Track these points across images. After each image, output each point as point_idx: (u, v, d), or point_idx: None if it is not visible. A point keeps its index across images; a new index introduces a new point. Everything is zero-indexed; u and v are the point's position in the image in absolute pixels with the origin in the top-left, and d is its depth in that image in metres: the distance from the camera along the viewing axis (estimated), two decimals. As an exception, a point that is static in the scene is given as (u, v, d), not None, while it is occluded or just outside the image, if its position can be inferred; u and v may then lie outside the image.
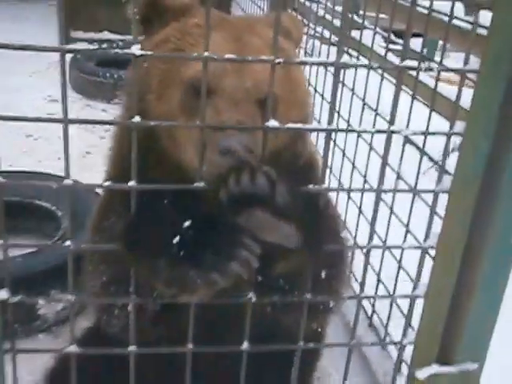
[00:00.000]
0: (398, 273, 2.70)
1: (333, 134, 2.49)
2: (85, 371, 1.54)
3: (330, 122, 1.32)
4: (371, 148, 2.83)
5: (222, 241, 1.32)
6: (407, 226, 2.55)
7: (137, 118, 1.21)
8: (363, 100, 2.81)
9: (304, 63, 1.24)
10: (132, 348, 1.51)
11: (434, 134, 1.44)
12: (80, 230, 3.40)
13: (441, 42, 6.24)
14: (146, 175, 1.32)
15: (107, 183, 1.30)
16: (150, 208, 1.37)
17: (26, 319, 2.89)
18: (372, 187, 1.79)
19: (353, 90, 2.92)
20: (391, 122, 1.34)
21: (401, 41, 2.66)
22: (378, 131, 1.36)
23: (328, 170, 3.32)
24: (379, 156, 2.72)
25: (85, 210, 3.51)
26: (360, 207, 2.98)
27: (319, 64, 1.27)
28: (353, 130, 1.35)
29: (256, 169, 1.28)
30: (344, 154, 3.22)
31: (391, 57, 2.81)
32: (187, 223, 1.34)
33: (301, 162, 1.82)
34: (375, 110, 2.77)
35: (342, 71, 3.29)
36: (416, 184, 2.28)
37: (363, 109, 2.82)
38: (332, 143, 3.24)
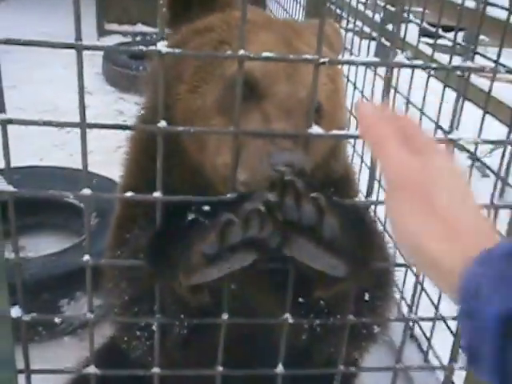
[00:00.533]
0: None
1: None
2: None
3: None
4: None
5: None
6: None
7: (163, 123, 1.07)
8: (407, 99, 2.63)
9: (353, 63, 1.09)
10: (156, 370, 1.39)
11: (496, 142, 1.28)
12: (108, 229, 3.32)
13: (481, 37, 5.99)
14: (165, 179, 1.19)
15: (129, 194, 1.17)
16: (175, 220, 1.23)
17: (51, 322, 2.81)
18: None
19: (396, 88, 2.75)
20: (451, 128, 1.18)
21: (447, 35, 2.49)
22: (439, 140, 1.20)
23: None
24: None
25: (114, 208, 3.44)
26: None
27: (370, 64, 1.11)
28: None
29: (303, 194, 1.09)
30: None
31: (437, 55, 2.64)
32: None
33: (337, 175, 1.65)
34: (421, 110, 2.60)
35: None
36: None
37: (407, 109, 2.64)
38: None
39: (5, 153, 1.13)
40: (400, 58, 1.07)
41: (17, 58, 6.96)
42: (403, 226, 0.96)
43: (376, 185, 3.00)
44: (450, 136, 1.18)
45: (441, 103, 2.35)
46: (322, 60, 1.07)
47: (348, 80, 3.34)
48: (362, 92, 3.31)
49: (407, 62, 1.07)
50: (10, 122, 1.09)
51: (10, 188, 1.13)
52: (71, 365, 2.66)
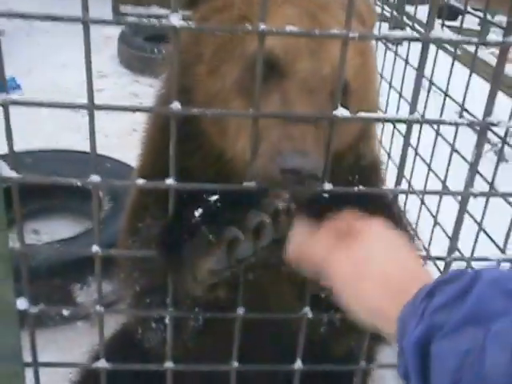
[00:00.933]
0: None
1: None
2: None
3: (412, 112, 1.08)
4: (438, 134, 2.55)
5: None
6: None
7: (176, 105, 0.99)
8: (430, 81, 2.53)
9: (385, 38, 1.00)
10: (169, 364, 1.33)
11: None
12: (122, 212, 3.26)
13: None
14: (182, 163, 1.11)
15: (141, 181, 1.09)
16: (189, 210, 1.16)
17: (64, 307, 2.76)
18: (449, 189, 1.52)
19: (418, 67, 2.64)
20: (487, 113, 1.09)
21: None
22: (472, 123, 1.11)
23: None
24: (448, 144, 2.47)
25: (126, 190, 3.38)
26: (436, 215, 2.67)
27: (406, 40, 1.02)
28: (441, 121, 1.11)
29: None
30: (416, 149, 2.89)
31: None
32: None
33: (365, 161, 1.55)
34: (445, 93, 2.49)
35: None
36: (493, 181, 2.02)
37: (429, 90, 2.54)
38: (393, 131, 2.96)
39: (8, 136, 1.06)
40: (438, 32, 0.97)
41: (33, 42, 6.92)
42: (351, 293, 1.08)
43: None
44: (488, 119, 1.09)
45: (467, 86, 2.26)
46: (351, 35, 0.97)
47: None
48: (382, 69, 3.21)
49: (446, 36, 0.98)
50: (14, 103, 1.01)
51: (14, 174, 1.06)
52: (83, 350, 2.63)
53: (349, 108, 1.13)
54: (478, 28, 4.81)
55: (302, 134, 1.17)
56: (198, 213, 1.10)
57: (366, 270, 1.04)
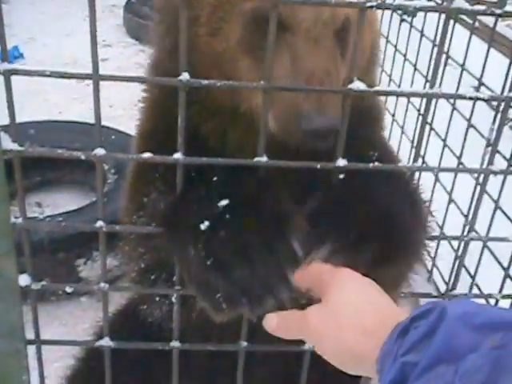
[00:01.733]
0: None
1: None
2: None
3: (432, 85, 1.02)
4: (454, 109, 2.49)
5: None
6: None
7: (185, 76, 0.94)
8: (447, 55, 2.46)
9: (405, 7, 0.94)
10: (175, 344, 1.30)
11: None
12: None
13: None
14: (189, 130, 1.07)
15: (146, 155, 1.04)
16: (198, 184, 1.11)
17: (67, 282, 2.74)
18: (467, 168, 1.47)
19: (440, 42, 2.57)
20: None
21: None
22: (493, 98, 1.05)
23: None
24: (465, 119, 2.41)
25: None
26: (451, 192, 2.61)
27: (425, 10, 0.96)
28: (460, 96, 1.05)
29: None
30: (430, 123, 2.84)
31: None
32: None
33: (367, 101, 1.50)
34: (462, 66, 2.43)
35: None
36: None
37: (446, 64, 2.47)
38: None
39: (9, 107, 1.01)
40: (459, 2, 0.92)
41: (36, 10, 6.82)
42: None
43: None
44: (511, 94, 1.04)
45: (485, 60, 2.20)
46: (368, 4, 0.92)
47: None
48: (387, 38, 3.16)
49: (468, 6, 0.92)
50: (15, 72, 0.96)
51: (16, 146, 1.01)
52: (87, 326, 2.62)
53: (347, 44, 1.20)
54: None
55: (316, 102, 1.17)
56: (204, 226, 1.06)
57: (343, 320, 1.05)
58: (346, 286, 1.09)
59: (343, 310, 1.06)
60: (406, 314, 1.02)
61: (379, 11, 1.53)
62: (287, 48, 1.26)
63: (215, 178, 1.13)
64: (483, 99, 1.09)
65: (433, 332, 0.91)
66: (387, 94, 1.12)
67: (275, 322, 1.16)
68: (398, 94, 1.08)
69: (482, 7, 0.96)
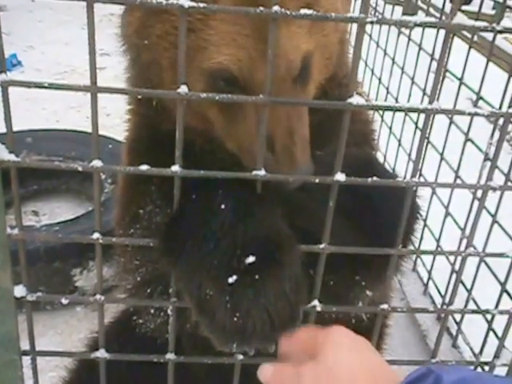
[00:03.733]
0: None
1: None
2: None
3: (431, 100, 1.02)
4: (452, 123, 2.50)
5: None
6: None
7: (183, 88, 0.93)
8: (445, 68, 2.47)
9: (405, 24, 0.94)
10: (171, 356, 1.29)
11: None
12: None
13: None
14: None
15: (144, 167, 1.04)
16: (197, 198, 1.11)
17: (63, 291, 2.73)
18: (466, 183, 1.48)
19: (440, 57, 2.59)
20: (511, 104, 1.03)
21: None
22: (493, 114, 1.05)
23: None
24: (463, 133, 2.42)
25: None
26: (448, 205, 2.62)
27: (428, 25, 0.96)
28: (459, 112, 1.05)
29: None
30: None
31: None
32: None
33: (343, 71, 1.58)
34: (460, 80, 2.44)
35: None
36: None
37: (444, 77, 2.47)
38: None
39: (6, 118, 1.00)
40: (460, 19, 0.92)
41: (35, 18, 6.82)
42: None
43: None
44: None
45: (484, 73, 2.21)
46: (368, 20, 0.91)
47: (371, 39, 3.24)
48: (385, 51, 3.19)
49: (468, 22, 0.92)
50: (12, 83, 0.96)
51: (12, 157, 1.01)
52: (82, 336, 2.60)
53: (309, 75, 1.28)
54: (492, 12, 4.74)
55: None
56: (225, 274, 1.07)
57: (337, 381, 1.05)
58: (340, 346, 1.09)
59: (337, 371, 1.05)
60: (400, 377, 1.02)
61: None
62: (250, 111, 1.27)
63: (213, 192, 1.12)
64: (483, 115, 1.09)
65: None
66: (386, 108, 1.12)
67: (270, 373, 1.16)
68: (396, 109, 1.07)
69: (482, 23, 0.96)
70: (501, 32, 0.99)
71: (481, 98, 2.26)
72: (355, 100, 1.02)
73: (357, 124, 1.62)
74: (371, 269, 1.27)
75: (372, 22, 0.94)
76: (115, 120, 4.82)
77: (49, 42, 6.25)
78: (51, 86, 0.92)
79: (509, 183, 2.05)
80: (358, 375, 1.04)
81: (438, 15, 2.82)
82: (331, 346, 1.09)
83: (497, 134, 1.98)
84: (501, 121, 1.96)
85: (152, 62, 1.36)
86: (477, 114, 1.09)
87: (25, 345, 1.25)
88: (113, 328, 1.89)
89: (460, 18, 0.92)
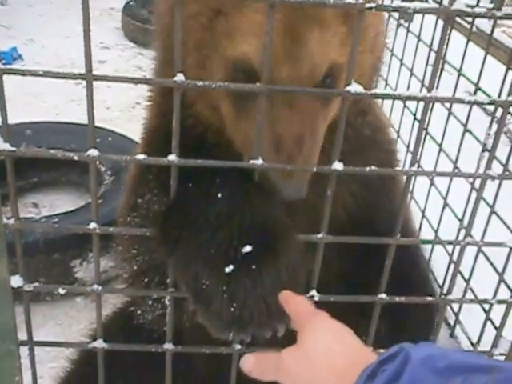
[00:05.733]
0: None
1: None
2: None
3: (430, 89, 1.02)
4: (450, 113, 2.49)
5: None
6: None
7: (180, 76, 0.93)
8: (444, 59, 2.45)
9: (404, 10, 0.93)
10: (168, 346, 1.29)
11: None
12: (122, 185, 3.19)
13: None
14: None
15: (140, 156, 1.04)
16: (194, 187, 1.10)
17: (63, 283, 2.73)
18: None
19: (438, 48, 2.57)
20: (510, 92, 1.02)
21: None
22: (493, 102, 1.05)
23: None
24: (461, 124, 2.41)
25: (130, 166, 3.32)
26: (446, 196, 2.62)
27: (427, 12, 0.96)
28: (458, 100, 1.04)
29: None
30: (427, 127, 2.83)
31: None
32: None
33: (366, 119, 1.52)
34: (459, 71, 2.42)
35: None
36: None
37: (442, 69, 2.46)
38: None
39: (1, 107, 1.00)
40: (459, 5, 0.91)
41: (35, 12, 6.80)
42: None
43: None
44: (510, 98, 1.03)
45: (482, 65, 2.20)
46: (367, 5, 0.91)
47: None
48: (392, 46, 3.16)
49: (467, 8, 0.91)
50: (7, 71, 0.96)
51: (7, 146, 1.01)
52: (82, 327, 2.60)
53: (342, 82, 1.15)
54: (491, 5, 4.72)
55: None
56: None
57: (316, 361, 1.07)
58: (320, 329, 1.11)
59: (316, 352, 1.08)
60: (376, 356, 1.04)
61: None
62: (258, 108, 1.21)
63: (210, 182, 1.12)
64: (482, 103, 1.08)
65: (398, 376, 0.93)
66: (385, 97, 1.11)
67: (251, 363, 1.17)
68: (395, 97, 1.07)
69: (481, 9, 0.95)
70: (501, 18, 0.98)
71: (479, 88, 2.25)
72: (353, 88, 1.01)
73: (380, 153, 1.60)
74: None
75: (371, 8, 0.93)
76: (115, 113, 4.82)
77: (49, 36, 6.23)
78: (46, 74, 0.91)
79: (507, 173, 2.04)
80: (337, 359, 1.06)
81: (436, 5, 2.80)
82: (312, 330, 1.11)
83: (495, 126, 1.98)
84: (498, 113, 1.95)
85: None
86: (476, 103, 1.08)
87: (23, 336, 1.25)
88: (115, 320, 1.89)
89: (459, 4, 0.91)
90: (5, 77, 0.97)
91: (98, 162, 3.39)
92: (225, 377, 1.31)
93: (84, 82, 0.97)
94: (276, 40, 1.19)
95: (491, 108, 2.19)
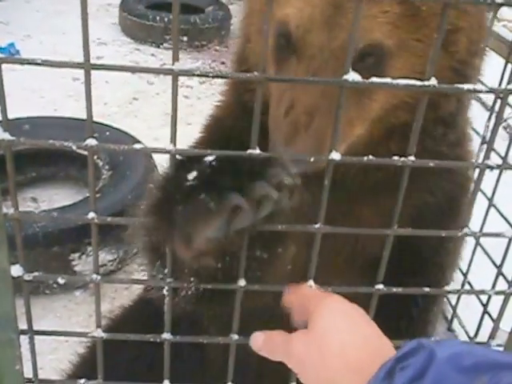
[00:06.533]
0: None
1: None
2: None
3: (428, 78, 1.02)
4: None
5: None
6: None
7: (177, 66, 0.93)
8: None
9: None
10: (167, 336, 1.29)
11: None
12: (121, 181, 3.20)
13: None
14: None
15: (138, 146, 1.04)
16: (185, 170, 1.08)
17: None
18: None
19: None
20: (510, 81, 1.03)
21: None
22: (493, 90, 1.05)
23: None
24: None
25: (128, 161, 3.33)
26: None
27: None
28: (458, 89, 1.04)
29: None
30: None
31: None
32: None
33: (448, 131, 1.40)
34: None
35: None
36: None
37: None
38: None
39: (0, 96, 1.00)
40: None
41: (32, 8, 6.80)
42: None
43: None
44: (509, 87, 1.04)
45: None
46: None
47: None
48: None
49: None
50: (5, 61, 0.96)
51: (7, 136, 1.01)
52: (81, 319, 2.61)
53: (386, 75, 1.06)
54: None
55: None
56: (191, 175, 1.00)
57: (327, 350, 1.03)
58: (333, 314, 1.07)
59: (328, 340, 1.03)
60: (393, 349, 1.01)
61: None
62: (289, 73, 1.23)
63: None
64: (481, 91, 1.08)
65: (422, 376, 0.90)
66: (382, 86, 1.11)
67: (261, 340, 1.15)
68: (393, 87, 1.07)
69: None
70: (502, 5, 0.97)
71: (478, 80, 2.25)
72: (350, 76, 1.01)
73: (444, 183, 1.51)
74: None
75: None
76: (112, 108, 4.82)
77: (46, 32, 6.23)
78: (44, 63, 0.92)
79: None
80: (348, 345, 1.02)
81: None
82: (324, 314, 1.07)
83: (494, 119, 1.98)
84: (497, 107, 1.95)
85: (248, 35, 1.38)
86: (476, 91, 1.08)
87: (24, 326, 1.25)
88: (135, 308, 1.87)
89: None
90: (3, 72, 0.97)
91: (95, 157, 3.39)
92: (240, 365, 1.30)
93: (82, 79, 0.97)
94: (318, 6, 1.18)
95: (490, 103, 2.18)
